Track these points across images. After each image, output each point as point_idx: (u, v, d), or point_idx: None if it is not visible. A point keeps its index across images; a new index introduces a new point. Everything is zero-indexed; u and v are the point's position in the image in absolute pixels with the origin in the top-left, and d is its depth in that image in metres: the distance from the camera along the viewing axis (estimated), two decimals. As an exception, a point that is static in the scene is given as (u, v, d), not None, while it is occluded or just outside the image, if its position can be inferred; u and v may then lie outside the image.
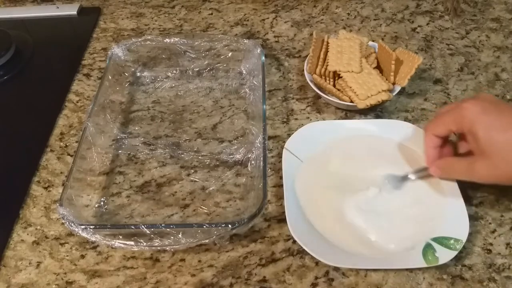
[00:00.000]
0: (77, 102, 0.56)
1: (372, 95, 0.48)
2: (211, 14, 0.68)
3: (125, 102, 0.55)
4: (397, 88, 0.51)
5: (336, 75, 0.53)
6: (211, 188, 0.46)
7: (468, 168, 0.38)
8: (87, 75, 0.60)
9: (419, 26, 0.64)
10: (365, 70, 0.51)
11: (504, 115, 0.36)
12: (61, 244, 0.43)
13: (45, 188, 0.47)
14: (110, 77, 0.54)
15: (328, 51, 0.53)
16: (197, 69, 0.58)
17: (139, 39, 0.56)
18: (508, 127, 0.35)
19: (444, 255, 0.38)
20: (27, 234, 0.44)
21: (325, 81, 0.52)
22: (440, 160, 0.41)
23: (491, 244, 0.41)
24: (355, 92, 0.49)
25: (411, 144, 0.47)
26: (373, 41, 0.56)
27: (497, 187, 0.45)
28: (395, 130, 0.48)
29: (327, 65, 0.53)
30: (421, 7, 0.67)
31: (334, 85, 0.52)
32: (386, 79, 0.52)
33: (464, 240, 0.38)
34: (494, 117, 0.36)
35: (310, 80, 0.53)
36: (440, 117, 0.40)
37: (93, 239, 0.39)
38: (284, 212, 0.41)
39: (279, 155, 0.47)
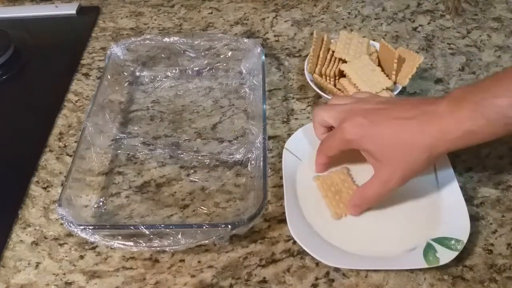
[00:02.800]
0: (76, 102, 0.56)
1: (376, 93, 0.48)
2: (211, 13, 0.68)
3: (124, 101, 0.55)
4: (398, 88, 0.51)
5: (337, 75, 0.52)
6: (210, 189, 0.46)
7: (381, 185, 0.38)
8: (86, 75, 0.60)
9: (420, 25, 0.64)
10: (368, 67, 0.50)
11: (378, 122, 0.37)
12: (60, 245, 0.42)
13: (44, 188, 0.47)
14: (109, 77, 0.54)
15: (336, 42, 0.54)
16: (196, 69, 0.58)
17: (138, 39, 0.56)
18: (389, 129, 0.36)
19: (445, 256, 0.37)
20: (26, 234, 0.43)
21: (326, 80, 0.52)
22: (352, 198, 0.41)
23: (492, 244, 0.40)
24: (359, 89, 0.49)
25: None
26: (373, 40, 0.56)
27: (498, 187, 0.44)
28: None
29: (327, 64, 0.53)
30: (422, 6, 0.67)
31: (334, 85, 0.52)
32: (387, 76, 0.52)
33: (465, 240, 0.38)
34: (374, 127, 0.37)
35: (311, 80, 0.53)
36: (328, 142, 0.41)
37: (92, 239, 0.39)
38: (284, 213, 0.41)
39: (279, 155, 0.47)
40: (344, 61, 0.53)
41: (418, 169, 0.37)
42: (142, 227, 0.39)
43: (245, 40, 0.56)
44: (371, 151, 0.38)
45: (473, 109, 0.34)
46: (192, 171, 0.47)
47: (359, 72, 0.50)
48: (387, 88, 0.49)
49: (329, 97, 0.51)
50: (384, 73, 0.52)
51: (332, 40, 0.55)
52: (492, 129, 0.34)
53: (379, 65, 0.53)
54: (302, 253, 0.40)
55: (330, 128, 0.43)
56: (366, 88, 0.48)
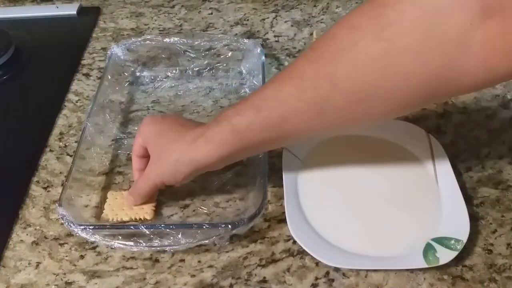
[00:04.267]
0: (77, 102, 0.56)
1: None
2: (211, 13, 0.68)
3: (124, 102, 0.55)
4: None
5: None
6: (211, 188, 0.46)
7: (143, 177, 0.42)
8: (87, 75, 0.60)
9: (419, 25, 0.64)
10: None
11: (162, 125, 0.42)
12: (61, 245, 0.42)
13: (45, 188, 0.47)
14: (109, 77, 0.54)
15: None
16: (197, 69, 0.58)
17: (139, 39, 0.56)
18: (163, 141, 0.40)
19: (445, 256, 0.38)
20: (26, 234, 0.43)
21: (325, 81, 0.52)
22: (131, 191, 0.44)
23: (491, 244, 0.41)
24: None
25: (410, 144, 0.47)
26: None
27: (497, 187, 0.45)
28: (395, 130, 0.48)
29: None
30: (421, 7, 0.67)
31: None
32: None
33: (465, 240, 0.38)
34: (154, 128, 0.42)
35: (310, 80, 0.53)
36: (135, 141, 0.44)
37: (93, 239, 0.39)
38: (284, 212, 0.41)
39: (279, 155, 0.47)
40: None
41: (168, 178, 0.40)
42: (142, 227, 0.39)
43: (245, 41, 0.56)
44: (149, 149, 0.42)
45: (212, 121, 0.39)
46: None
47: None
48: None
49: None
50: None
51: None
52: (222, 135, 0.37)
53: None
54: (302, 253, 0.40)
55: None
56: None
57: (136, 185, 0.43)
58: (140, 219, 0.42)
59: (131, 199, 0.43)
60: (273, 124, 0.36)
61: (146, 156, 0.43)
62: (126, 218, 0.43)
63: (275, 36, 0.64)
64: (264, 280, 0.39)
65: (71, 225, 0.39)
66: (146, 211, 0.43)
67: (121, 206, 0.43)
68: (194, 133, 0.39)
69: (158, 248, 0.40)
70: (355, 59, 0.33)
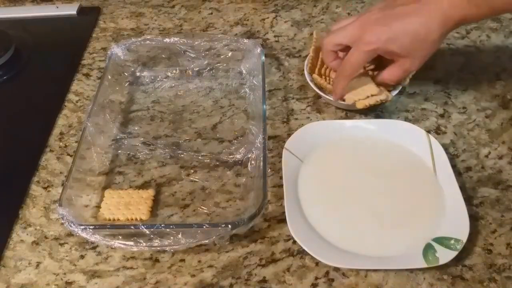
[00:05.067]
0: (77, 102, 0.56)
1: (360, 99, 0.48)
2: (211, 13, 0.68)
3: (124, 102, 0.55)
4: (398, 88, 0.51)
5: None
6: (211, 188, 0.46)
7: (403, 70, 0.46)
8: (87, 75, 0.60)
9: (419, 25, 0.64)
10: (362, 79, 0.50)
11: (394, 24, 0.43)
12: (61, 244, 0.43)
13: (45, 188, 0.47)
14: (109, 77, 0.54)
15: None
16: (197, 69, 0.58)
17: (139, 39, 0.56)
18: (405, 28, 0.42)
19: (445, 255, 0.38)
20: (27, 234, 0.43)
21: (325, 81, 0.52)
22: (381, 78, 0.48)
23: (491, 244, 0.41)
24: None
25: (410, 144, 0.47)
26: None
27: (497, 187, 0.45)
28: (395, 130, 0.48)
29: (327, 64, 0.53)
30: (421, 7, 0.67)
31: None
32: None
33: (465, 240, 0.38)
34: (392, 31, 0.43)
35: (310, 80, 0.53)
36: (353, 60, 0.45)
37: (93, 239, 0.39)
38: (284, 212, 0.41)
39: (279, 155, 0.47)
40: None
41: (433, 51, 0.44)
42: (142, 226, 0.39)
43: (245, 41, 0.56)
44: (395, 51, 0.43)
45: None
46: (192, 171, 0.48)
47: (352, 85, 0.50)
48: (372, 95, 0.49)
49: (329, 97, 0.51)
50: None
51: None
52: (481, 11, 0.41)
53: (379, 65, 0.53)
54: (302, 252, 0.40)
55: (337, 55, 0.48)
56: (350, 95, 0.49)
57: (394, 73, 0.46)
58: (136, 219, 0.43)
59: (388, 81, 0.47)
60: None
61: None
62: (122, 218, 0.43)
63: (275, 36, 0.64)
64: (264, 280, 0.39)
65: (71, 225, 0.39)
66: (142, 212, 0.43)
67: (117, 206, 0.43)
68: (444, 5, 0.41)
69: (158, 248, 0.40)
70: None
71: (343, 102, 0.50)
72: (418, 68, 0.46)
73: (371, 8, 0.47)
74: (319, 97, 0.53)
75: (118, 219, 0.43)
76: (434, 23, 0.42)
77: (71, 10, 0.69)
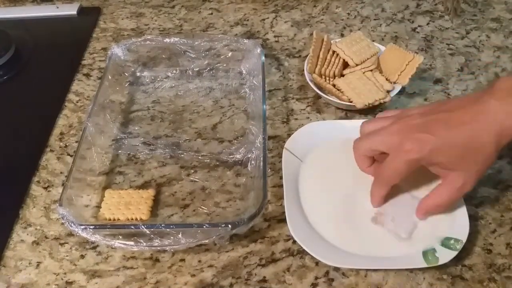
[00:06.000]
0: (77, 102, 0.56)
1: (369, 104, 0.49)
2: (211, 14, 0.68)
3: (125, 102, 0.55)
4: (398, 88, 0.51)
5: (337, 75, 0.53)
6: (211, 188, 0.46)
7: (456, 190, 0.38)
8: (87, 75, 0.60)
9: (419, 26, 0.64)
10: (361, 81, 0.51)
11: (441, 132, 0.37)
12: (61, 244, 0.43)
13: (45, 188, 0.47)
14: (110, 77, 0.54)
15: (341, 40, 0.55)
16: (197, 69, 0.58)
17: (139, 39, 0.56)
18: (454, 138, 0.36)
19: (444, 255, 0.38)
20: (27, 234, 0.44)
21: (325, 81, 0.52)
22: (423, 207, 0.41)
23: (491, 244, 0.41)
24: (348, 97, 0.50)
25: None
26: (373, 40, 0.56)
27: (497, 187, 0.45)
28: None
29: (327, 64, 0.53)
30: (421, 7, 0.67)
31: (334, 85, 0.52)
32: (387, 79, 0.52)
33: (464, 240, 0.38)
34: (438, 139, 0.36)
35: (310, 80, 0.53)
36: (387, 170, 0.39)
37: (93, 239, 0.39)
38: (284, 212, 0.41)
39: (279, 155, 0.47)
40: (346, 64, 0.53)
41: (489, 165, 0.38)
42: (142, 226, 0.39)
43: (245, 41, 0.56)
44: (443, 163, 0.37)
45: None
46: (192, 171, 0.48)
47: (351, 85, 0.50)
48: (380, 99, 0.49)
49: (329, 97, 0.51)
50: (383, 74, 0.53)
51: (332, 41, 0.56)
52: None
53: (379, 67, 0.53)
54: (302, 252, 0.40)
55: (374, 159, 0.42)
56: (359, 99, 0.49)
57: (443, 201, 0.39)
58: (136, 219, 0.43)
59: (427, 213, 0.40)
60: None
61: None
62: (122, 218, 0.43)
63: (275, 36, 0.64)
64: (264, 280, 0.39)
65: (72, 225, 0.39)
66: (142, 212, 0.43)
67: (118, 205, 0.43)
68: (498, 120, 0.36)
69: (159, 248, 0.40)
70: None
71: (343, 102, 0.50)
72: (475, 184, 0.38)
73: (409, 111, 0.40)
74: (319, 97, 0.53)
75: (118, 219, 0.43)
76: (489, 135, 0.36)
77: (71, 10, 0.69)
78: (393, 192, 0.42)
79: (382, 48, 0.55)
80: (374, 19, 0.65)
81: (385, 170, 0.39)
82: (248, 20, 0.67)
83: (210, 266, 0.40)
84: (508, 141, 0.36)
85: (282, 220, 0.43)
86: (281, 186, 0.44)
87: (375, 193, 0.42)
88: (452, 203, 0.40)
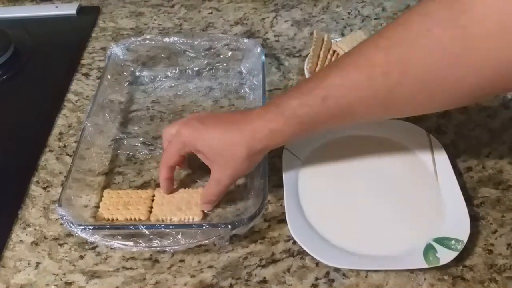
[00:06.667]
0: (76, 102, 0.56)
1: None
2: (211, 13, 0.68)
3: (124, 101, 0.55)
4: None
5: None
6: (210, 188, 0.46)
7: (215, 183, 0.41)
8: (86, 75, 0.60)
9: (419, 25, 0.64)
10: None
11: (209, 125, 0.40)
12: (60, 245, 0.42)
13: (44, 188, 0.47)
14: (109, 77, 0.54)
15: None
16: (196, 69, 0.58)
17: (139, 39, 0.56)
18: (216, 132, 0.40)
19: (445, 256, 0.37)
20: (26, 234, 0.43)
21: (325, 80, 0.52)
22: (200, 198, 0.44)
23: (492, 244, 0.40)
24: None
25: (410, 144, 0.47)
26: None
27: (498, 187, 0.44)
28: (395, 130, 0.48)
29: (328, 64, 0.53)
30: (421, 6, 0.67)
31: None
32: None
33: (465, 240, 0.38)
34: (204, 130, 0.40)
35: (310, 80, 0.53)
36: (168, 149, 0.42)
37: (92, 239, 0.39)
38: (284, 213, 0.41)
39: (279, 155, 0.47)
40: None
41: (242, 167, 0.40)
42: (142, 227, 0.39)
43: (245, 40, 0.56)
44: (204, 152, 0.41)
45: (274, 111, 0.38)
46: (192, 171, 0.47)
47: None
48: None
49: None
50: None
51: (332, 40, 0.55)
52: (290, 127, 0.38)
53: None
54: (302, 253, 0.40)
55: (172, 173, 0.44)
56: None
57: (207, 192, 0.42)
58: (135, 219, 0.42)
59: (206, 206, 0.43)
60: (339, 113, 0.37)
61: (178, 164, 0.43)
62: (121, 218, 0.43)
63: (275, 36, 0.64)
64: (264, 281, 0.39)
65: (71, 225, 0.39)
66: (141, 212, 0.43)
67: (116, 206, 0.43)
68: (253, 125, 0.39)
69: (158, 248, 0.40)
70: (428, 45, 0.32)
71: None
72: (232, 181, 0.41)
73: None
74: (319, 97, 0.53)
75: (117, 219, 0.43)
76: (242, 136, 0.38)
77: (70, 9, 0.69)
78: None
79: None
80: (375, 19, 0.65)
81: (164, 153, 0.43)
82: (248, 19, 0.67)
83: (210, 266, 0.40)
84: (258, 146, 0.39)
85: (282, 220, 0.42)
86: (281, 186, 0.44)
87: (160, 174, 0.44)
88: (216, 195, 0.42)
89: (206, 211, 0.43)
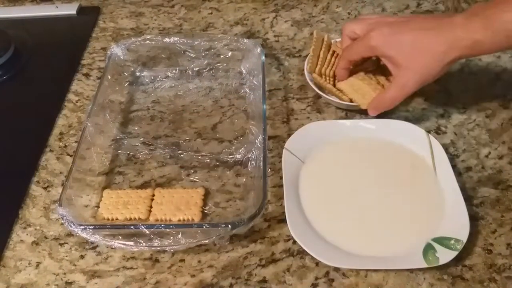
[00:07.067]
0: (77, 102, 0.56)
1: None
2: (211, 13, 0.68)
3: (124, 102, 0.55)
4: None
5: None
6: (211, 188, 0.46)
7: (398, 88, 0.44)
8: (87, 75, 0.60)
9: (419, 25, 0.64)
10: (365, 81, 0.50)
11: (401, 30, 0.42)
12: (61, 245, 0.42)
13: (45, 188, 0.47)
14: (109, 77, 0.54)
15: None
16: (196, 69, 0.58)
17: (139, 39, 0.56)
18: (409, 37, 0.42)
19: (445, 256, 0.38)
20: (27, 234, 0.43)
21: (325, 80, 0.52)
22: (371, 102, 0.47)
23: (491, 244, 0.41)
24: (353, 99, 0.50)
25: (410, 144, 0.47)
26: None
27: (497, 187, 0.45)
28: (395, 130, 0.48)
29: (327, 64, 0.53)
30: (421, 7, 0.67)
31: (334, 85, 0.52)
32: (387, 78, 0.52)
33: (465, 240, 0.38)
34: (398, 35, 0.42)
35: (310, 80, 0.53)
36: (354, 48, 0.46)
37: (93, 239, 0.39)
38: (284, 212, 0.41)
39: (279, 155, 0.47)
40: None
41: (432, 73, 0.42)
42: (142, 226, 0.39)
43: (245, 41, 0.56)
44: (392, 56, 0.43)
45: (482, 21, 0.39)
46: (192, 171, 0.48)
47: (354, 87, 0.50)
48: None
49: (329, 97, 0.51)
50: (383, 74, 0.53)
51: (332, 41, 0.56)
52: (495, 40, 0.39)
53: (379, 66, 0.53)
54: (302, 252, 0.40)
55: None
56: (363, 100, 0.49)
57: (385, 96, 0.45)
58: (135, 218, 0.43)
59: (374, 111, 0.46)
60: None
61: (355, 63, 0.48)
62: (121, 217, 0.43)
63: (275, 36, 0.64)
64: (264, 280, 0.39)
65: (71, 225, 0.39)
66: (141, 211, 0.43)
67: (116, 205, 0.43)
68: (456, 33, 0.39)
69: (158, 248, 0.40)
70: None
71: (343, 102, 0.50)
72: (415, 88, 0.43)
73: (391, 16, 0.48)
74: (319, 97, 0.53)
75: (117, 219, 0.43)
76: (441, 42, 0.40)
77: (70, 10, 0.69)
78: None
79: None
80: (374, 19, 0.65)
81: (350, 47, 0.47)
82: (248, 19, 0.67)
83: (210, 266, 0.40)
84: (457, 55, 0.40)
85: (282, 220, 0.43)
86: (281, 186, 0.44)
87: (338, 64, 0.50)
88: (394, 100, 0.45)
89: (371, 114, 0.46)
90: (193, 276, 0.40)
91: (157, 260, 0.41)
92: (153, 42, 0.56)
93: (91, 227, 0.39)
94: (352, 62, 0.48)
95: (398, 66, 0.43)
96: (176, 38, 0.56)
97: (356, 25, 0.47)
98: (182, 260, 0.41)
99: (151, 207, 0.44)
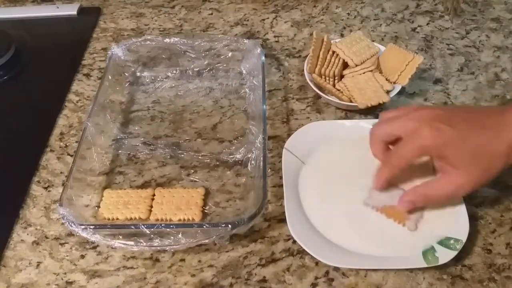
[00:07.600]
0: (77, 102, 0.56)
1: (371, 105, 0.49)
2: (211, 14, 0.68)
3: (125, 102, 0.55)
4: (397, 88, 0.51)
5: (337, 76, 0.53)
6: (211, 188, 0.46)
7: (453, 187, 0.38)
8: (87, 75, 0.60)
9: (419, 26, 0.64)
10: (369, 82, 0.51)
11: (458, 127, 0.37)
12: (61, 244, 0.43)
13: (45, 188, 0.47)
14: (110, 77, 0.54)
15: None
16: (197, 69, 0.58)
17: (139, 39, 0.56)
18: (471, 137, 0.36)
19: (444, 255, 0.38)
20: (27, 234, 0.44)
21: (325, 81, 0.52)
22: (409, 194, 0.40)
23: (491, 244, 0.41)
24: (353, 97, 0.50)
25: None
26: (373, 40, 0.56)
27: (497, 187, 0.45)
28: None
29: (327, 65, 0.53)
30: (421, 7, 0.67)
31: (333, 85, 0.52)
32: (387, 79, 0.52)
33: (464, 240, 0.38)
34: (456, 135, 0.36)
35: (310, 80, 0.53)
36: (399, 152, 0.39)
37: (93, 239, 0.39)
38: (284, 212, 0.41)
39: (279, 155, 0.47)
40: (346, 64, 0.53)
41: (493, 176, 0.37)
42: (142, 226, 0.39)
43: (245, 41, 0.56)
44: (451, 158, 0.37)
45: None
46: (192, 171, 0.48)
47: (358, 85, 0.50)
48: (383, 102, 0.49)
49: (329, 97, 0.51)
50: (383, 74, 0.53)
51: (332, 41, 0.56)
52: None
53: (378, 67, 0.54)
54: (301, 252, 0.40)
55: (388, 147, 0.42)
56: (362, 100, 0.49)
57: (433, 194, 0.39)
58: (135, 218, 0.43)
59: (410, 204, 0.40)
60: None
61: (403, 169, 0.39)
62: (121, 217, 0.43)
63: (275, 37, 0.64)
64: (264, 280, 0.39)
65: (72, 224, 0.39)
66: (141, 211, 0.43)
67: (116, 205, 0.43)
68: (509, 120, 0.35)
69: (159, 248, 0.40)
70: None
71: (343, 102, 0.50)
72: (472, 191, 0.38)
73: (429, 106, 0.40)
74: (319, 97, 0.53)
75: (117, 218, 0.43)
76: (502, 145, 0.35)
77: (71, 10, 0.69)
78: (391, 187, 0.42)
79: (382, 48, 0.55)
80: (374, 19, 0.66)
81: (396, 153, 0.39)
82: (248, 20, 0.67)
83: (210, 266, 0.40)
84: None
85: (282, 220, 0.43)
86: (281, 186, 0.44)
87: (380, 175, 0.41)
88: (443, 199, 0.39)
89: (405, 210, 0.39)
90: (193, 275, 0.40)
91: (157, 260, 0.41)
92: (154, 43, 0.56)
93: (91, 227, 0.39)
94: (401, 170, 0.39)
95: (454, 167, 0.37)
96: (176, 39, 0.56)
97: (390, 126, 0.39)
98: (183, 260, 0.41)
99: (151, 207, 0.44)
